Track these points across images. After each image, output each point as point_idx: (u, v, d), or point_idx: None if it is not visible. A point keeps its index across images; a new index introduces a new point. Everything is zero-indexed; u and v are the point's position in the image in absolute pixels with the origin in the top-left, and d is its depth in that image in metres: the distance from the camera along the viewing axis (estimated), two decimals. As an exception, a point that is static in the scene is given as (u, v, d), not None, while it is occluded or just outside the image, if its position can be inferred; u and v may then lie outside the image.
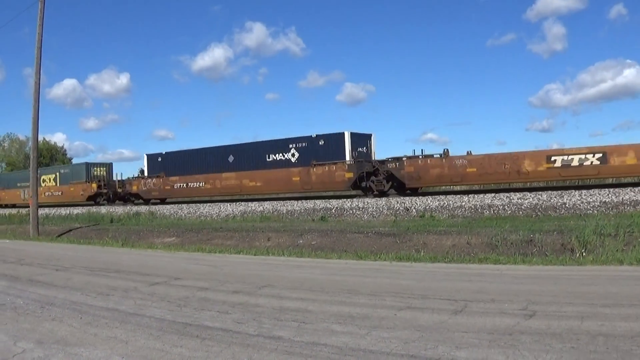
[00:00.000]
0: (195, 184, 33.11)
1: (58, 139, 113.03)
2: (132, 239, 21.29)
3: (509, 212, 19.15)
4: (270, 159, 29.75)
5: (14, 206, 44.45)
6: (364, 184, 26.14)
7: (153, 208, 31.32)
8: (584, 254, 11.90)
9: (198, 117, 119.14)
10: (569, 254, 12.04)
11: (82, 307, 8.79)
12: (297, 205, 25.21)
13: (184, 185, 33.84)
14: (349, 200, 24.61)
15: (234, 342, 6.33)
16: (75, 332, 7.15)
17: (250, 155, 31.04)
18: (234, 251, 16.24)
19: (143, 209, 31.81)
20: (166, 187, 34.99)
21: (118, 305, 8.77)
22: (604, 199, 18.29)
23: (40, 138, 33.11)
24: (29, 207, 26.73)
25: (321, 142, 27.49)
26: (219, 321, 7.39)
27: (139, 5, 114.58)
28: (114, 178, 40.55)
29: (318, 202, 25.17)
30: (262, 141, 31.44)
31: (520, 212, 18.90)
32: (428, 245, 14.28)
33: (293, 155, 28.88)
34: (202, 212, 28.09)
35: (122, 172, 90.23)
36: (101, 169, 41.45)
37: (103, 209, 33.68)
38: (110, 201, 38.96)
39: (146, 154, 37.22)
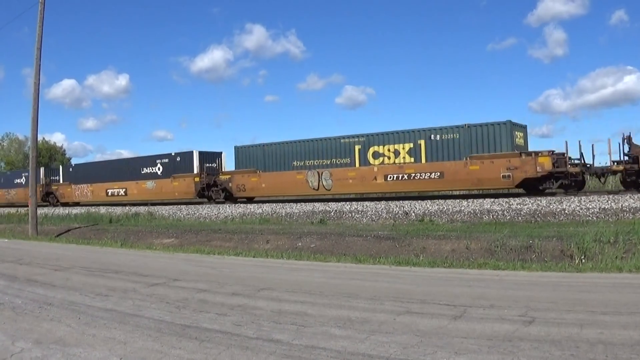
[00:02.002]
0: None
1: (57, 138, 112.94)
2: (131, 239, 21.30)
3: (508, 217, 19.14)
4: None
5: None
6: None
7: (152, 209, 31.27)
8: (583, 260, 11.89)
9: (197, 119, 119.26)
10: (568, 261, 12.03)
11: (80, 307, 8.80)
12: (296, 208, 25.19)
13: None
14: (348, 203, 24.58)
15: (233, 344, 6.33)
16: (74, 332, 7.16)
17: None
18: (233, 253, 16.25)
19: (142, 209, 31.77)
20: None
21: (117, 306, 8.79)
22: (603, 206, 18.28)
23: (39, 138, 33.01)
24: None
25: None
26: (218, 323, 7.40)
27: (138, 6, 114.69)
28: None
29: (317, 204, 25.16)
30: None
31: (520, 218, 18.89)
32: (427, 250, 14.28)
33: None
34: (200, 214, 28.07)
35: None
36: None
37: (102, 209, 33.59)
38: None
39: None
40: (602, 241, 12.49)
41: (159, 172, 34.47)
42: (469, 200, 21.98)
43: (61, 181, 41.08)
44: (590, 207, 18.45)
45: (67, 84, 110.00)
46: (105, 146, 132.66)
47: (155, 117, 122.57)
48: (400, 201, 23.66)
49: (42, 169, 41.38)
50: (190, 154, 32.89)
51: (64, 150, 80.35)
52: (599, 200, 18.81)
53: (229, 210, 27.66)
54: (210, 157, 33.51)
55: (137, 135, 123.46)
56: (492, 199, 21.54)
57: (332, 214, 23.30)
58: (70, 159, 77.85)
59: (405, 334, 6.46)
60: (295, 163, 28.27)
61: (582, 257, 12.06)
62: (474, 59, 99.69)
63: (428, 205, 21.77)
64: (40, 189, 38.66)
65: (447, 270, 11.85)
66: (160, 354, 6.09)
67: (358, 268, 12.59)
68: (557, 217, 18.41)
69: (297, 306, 8.35)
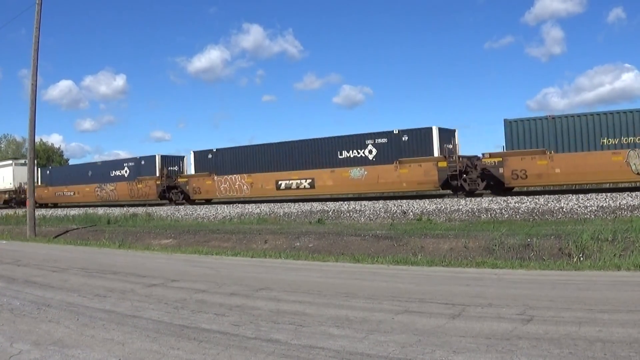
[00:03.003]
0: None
1: (54, 140, 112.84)
2: (129, 240, 21.25)
3: (506, 216, 19.15)
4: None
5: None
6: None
7: (150, 209, 31.23)
8: (581, 258, 11.90)
9: (195, 119, 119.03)
10: (566, 259, 12.04)
11: (78, 308, 8.79)
12: (294, 208, 25.20)
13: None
14: (346, 202, 24.60)
15: (231, 344, 6.32)
16: (72, 333, 7.14)
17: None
18: (231, 253, 16.24)
19: (140, 210, 31.75)
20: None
21: (115, 307, 8.77)
22: (601, 204, 18.31)
23: (36, 139, 32.79)
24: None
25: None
26: (216, 323, 7.39)
27: (135, 6, 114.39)
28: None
29: (315, 204, 25.17)
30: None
31: (518, 216, 18.90)
32: (425, 249, 14.28)
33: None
34: (199, 214, 28.07)
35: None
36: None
37: (100, 210, 33.56)
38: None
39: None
40: (600, 239, 12.49)
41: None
42: (467, 199, 22.01)
43: (189, 171, 34.27)
44: (588, 205, 18.48)
45: (64, 84, 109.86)
46: (102, 147, 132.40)
47: (153, 118, 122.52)
48: (399, 200, 23.68)
49: (157, 157, 34.61)
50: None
51: (62, 152, 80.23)
52: (596, 198, 18.83)
53: (227, 210, 27.68)
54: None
55: (135, 136, 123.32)
56: (490, 198, 21.56)
57: (330, 213, 23.31)
58: (68, 160, 77.76)
59: (403, 333, 6.46)
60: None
61: (580, 255, 12.08)
62: (472, 57, 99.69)
63: (426, 204, 21.79)
64: (158, 182, 33.72)
65: (445, 269, 11.86)
66: (158, 354, 6.08)
67: (356, 267, 12.59)
68: (555, 215, 18.43)
69: (295, 306, 8.34)
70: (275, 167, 29.17)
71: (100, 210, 33.24)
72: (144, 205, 35.05)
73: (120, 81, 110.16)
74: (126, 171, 36.02)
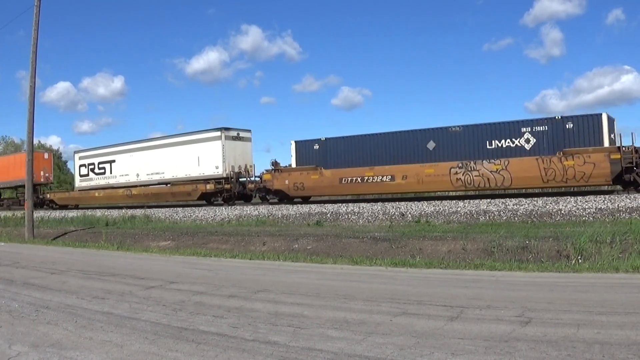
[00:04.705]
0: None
1: (53, 141, 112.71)
2: (128, 242, 21.25)
3: (504, 218, 19.16)
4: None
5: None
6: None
7: (149, 211, 31.15)
8: (580, 261, 11.90)
9: (193, 120, 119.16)
10: (564, 261, 12.04)
11: (77, 310, 8.79)
12: (292, 210, 25.19)
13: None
14: (344, 204, 24.58)
15: (230, 346, 6.33)
16: (71, 335, 7.15)
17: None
18: (230, 255, 16.23)
19: (138, 212, 31.67)
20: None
21: (113, 309, 8.77)
22: (599, 206, 18.32)
23: (35, 141, 31.11)
24: None
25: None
26: (215, 326, 7.40)
27: (133, 8, 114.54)
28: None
29: (313, 206, 25.16)
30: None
31: (516, 218, 18.90)
32: (424, 251, 14.28)
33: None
34: (197, 216, 28.01)
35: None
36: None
37: (98, 212, 33.48)
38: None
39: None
40: (599, 241, 12.50)
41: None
42: (465, 201, 22.01)
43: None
44: (587, 207, 18.48)
45: (62, 86, 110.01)
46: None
47: (151, 119, 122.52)
48: (397, 202, 23.68)
49: None
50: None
51: (60, 154, 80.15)
52: (595, 201, 18.85)
53: (225, 212, 27.64)
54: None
55: (133, 137, 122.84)
56: (489, 200, 21.57)
57: (328, 215, 23.29)
58: (67, 162, 77.69)
59: (402, 335, 6.46)
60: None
61: (579, 257, 12.08)
62: (470, 59, 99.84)
63: (424, 206, 21.79)
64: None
65: (443, 271, 11.86)
66: (157, 356, 6.09)
67: (354, 269, 12.59)
68: (553, 217, 18.43)
69: (293, 308, 8.35)
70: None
71: (99, 212, 33.17)
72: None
73: (118, 83, 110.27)
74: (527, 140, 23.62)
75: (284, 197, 29.11)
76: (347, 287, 10.02)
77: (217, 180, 30.44)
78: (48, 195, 42.38)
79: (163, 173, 33.57)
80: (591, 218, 17.71)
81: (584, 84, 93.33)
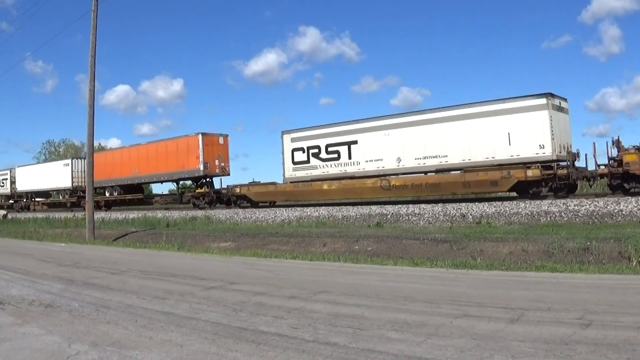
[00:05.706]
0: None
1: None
2: (188, 243, 21.63)
3: (565, 219, 18.81)
4: None
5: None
6: None
7: (209, 212, 31.70)
8: (642, 262, 11.66)
9: (253, 123, 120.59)
10: (625, 263, 11.81)
11: (137, 310, 8.96)
12: (352, 211, 25.35)
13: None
14: (404, 206, 24.58)
15: (289, 347, 6.42)
16: (131, 335, 7.31)
17: None
18: (290, 256, 16.31)
19: (199, 213, 32.32)
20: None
21: (173, 309, 8.91)
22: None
23: (95, 144, 30.11)
24: None
25: None
26: (275, 326, 7.47)
27: (191, 10, 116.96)
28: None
29: (374, 207, 25.23)
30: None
31: (577, 219, 18.54)
32: (484, 253, 14.22)
33: None
34: (257, 217, 28.43)
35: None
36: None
37: (159, 213, 33.90)
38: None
39: None
40: (662, 243, 12.21)
41: None
42: (526, 201, 21.70)
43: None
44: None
45: (122, 89, 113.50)
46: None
47: (211, 122, 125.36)
48: (458, 203, 23.53)
49: None
50: None
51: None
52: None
53: (285, 213, 27.99)
54: None
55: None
56: (550, 201, 21.22)
57: (388, 217, 23.36)
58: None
59: (462, 338, 6.52)
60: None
61: (640, 259, 11.84)
62: (529, 57, 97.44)
63: (485, 207, 21.60)
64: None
65: (504, 273, 11.79)
66: (216, 356, 6.19)
67: (415, 271, 12.61)
68: (614, 218, 18.00)
69: (353, 309, 8.40)
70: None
71: (159, 214, 33.83)
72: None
73: (177, 85, 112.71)
74: None
75: None
76: (407, 289, 10.06)
77: (543, 164, 23.37)
78: (238, 190, 33.86)
79: (446, 156, 25.89)
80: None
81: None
